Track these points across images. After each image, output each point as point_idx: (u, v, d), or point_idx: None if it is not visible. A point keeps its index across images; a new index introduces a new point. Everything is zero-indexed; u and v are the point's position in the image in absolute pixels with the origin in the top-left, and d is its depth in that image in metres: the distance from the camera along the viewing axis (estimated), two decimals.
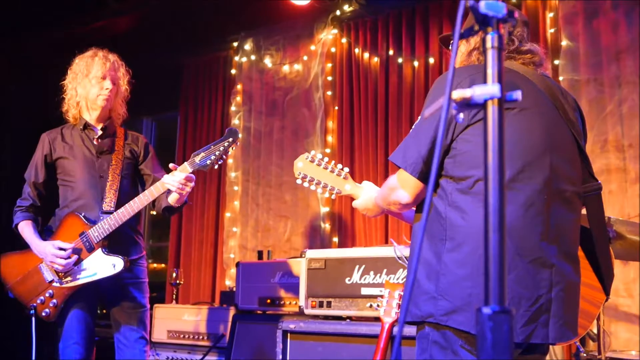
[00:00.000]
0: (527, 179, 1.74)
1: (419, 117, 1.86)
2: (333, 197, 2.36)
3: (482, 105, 1.01)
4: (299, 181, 2.32)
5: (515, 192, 1.73)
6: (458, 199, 1.76)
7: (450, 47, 2.22)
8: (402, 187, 1.85)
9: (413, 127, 1.87)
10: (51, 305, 3.00)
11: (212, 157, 2.92)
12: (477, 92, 1.01)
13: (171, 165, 2.95)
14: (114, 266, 2.95)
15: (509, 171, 1.72)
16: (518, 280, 1.69)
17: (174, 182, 2.92)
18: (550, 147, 1.80)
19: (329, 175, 2.29)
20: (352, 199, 2.29)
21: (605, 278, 1.96)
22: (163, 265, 6.29)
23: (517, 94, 1.00)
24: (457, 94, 1.03)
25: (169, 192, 3.03)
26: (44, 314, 3.01)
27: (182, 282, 4.87)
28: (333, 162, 2.32)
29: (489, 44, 1.02)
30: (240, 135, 3.05)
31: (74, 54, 3.28)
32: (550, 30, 4.27)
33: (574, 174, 1.88)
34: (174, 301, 4.69)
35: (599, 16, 4.08)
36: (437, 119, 1.75)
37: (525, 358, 1.84)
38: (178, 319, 4.31)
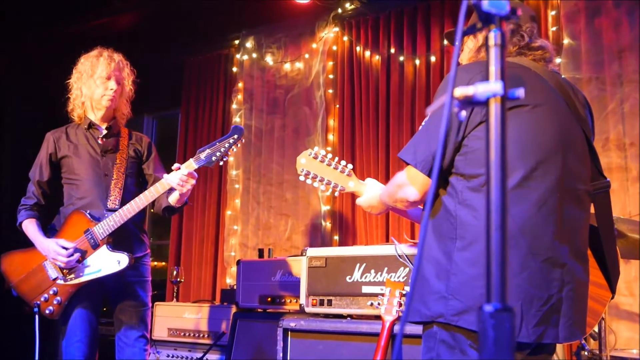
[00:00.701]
0: (540, 177, 1.72)
1: (429, 114, 1.84)
2: (336, 194, 2.33)
3: (485, 103, 1.01)
4: (301, 178, 2.29)
5: (529, 190, 1.70)
6: (469, 197, 1.73)
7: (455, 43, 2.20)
8: (411, 184, 1.82)
9: (423, 123, 1.84)
10: (55, 302, 3.00)
11: (218, 154, 2.93)
12: (480, 89, 1.00)
13: (174, 166, 2.96)
14: (119, 263, 2.95)
15: (522, 169, 1.71)
16: (530, 279, 1.67)
17: (176, 178, 2.92)
18: (562, 145, 1.78)
19: (332, 172, 2.26)
20: (355, 197, 2.26)
21: (611, 276, 1.94)
22: (164, 263, 6.29)
23: (520, 92, 1.00)
24: (459, 92, 1.02)
25: (169, 192, 3.04)
26: (47, 311, 3.01)
27: (182, 280, 4.88)
28: (336, 158, 2.29)
29: (491, 42, 1.02)
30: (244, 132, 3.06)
31: (75, 53, 3.29)
32: (552, 29, 4.26)
33: (585, 172, 1.86)
34: (174, 299, 4.70)
35: (600, 14, 4.08)
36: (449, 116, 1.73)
37: (533, 358, 1.82)
38: (179, 317, 4.31)
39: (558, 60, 4.12)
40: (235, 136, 2.95)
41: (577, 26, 4.15)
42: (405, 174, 1.84)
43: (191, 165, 2.94)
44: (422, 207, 2.13)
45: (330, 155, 2.29)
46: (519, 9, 1.05)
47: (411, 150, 1.80)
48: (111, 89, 3.16)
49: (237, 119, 5.56)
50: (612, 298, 1.99)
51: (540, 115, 1.76)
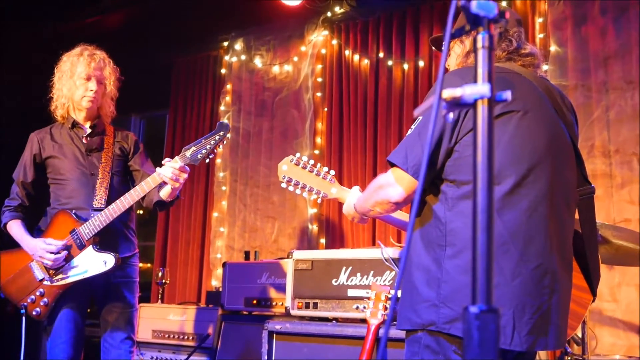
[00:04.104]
0: (531, 183, 1.71)
1: (419, 117, 1.80)
2: (319, 200, 2.31)
3: (472, 105, 1.01)
4: (283, 185, 2.25)
5: (520, 197, 1.70)
6: (460, 204, 1.72)
7: (441, 49, 2.20)
8: (398, 183, 1.77)
9: (413, 126, 1.81)
10: (42, 304, 2.97)
11: (203, 151, 2.88)
12: (467, 91, 1.00)
13: (164, 160, 2.92)
14: (105, 263, 2.92)
15: (514, 176, 1.70)
16: (522, 287, 1.66)
17: (168, 171, 2.88)
18: (552, 151, 1.78)
19: (315, 178, 2.23)
20: (341, 203, 2.22)
21: (593, 279, 1.95)
22: (149, 264, 6.25)
23: (507, 94, 1.00)
24: (448, 93, 1.02)
25: (160, 186, 3.00)
26: (34, 312, 2.98)
27: (168, 282, 4.85)
28: (318, 165, 2.26)
29: (479, 44, 1.02)
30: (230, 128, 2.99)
31: (63, 51, 3.26)
32: (539, 36, 4.29)
33: (572, 178, 1.87)
34: (159, 301, 4.67)
35: (587, 22, 4.11)
36: (442, 120, 1.69)
37: None
38: (163, 319, 4.28)
39: (545, 67, 4.15)
40: (221, 133, 2.89)
41: (564, 33, 4.18)
42: (392, 174, 1.80)
43: (177, 162, 2.91)
44: (397, 216, 2.12)
45: (312, 161, 2.26)
46: (507, 12, 1.05)
47: (402, 154, 1.76)
48: (91, 90, 3.11)
49: (225, 121, 5.54)
50: (593, 301, 2.01)
51: (530, 122, 1.76)
